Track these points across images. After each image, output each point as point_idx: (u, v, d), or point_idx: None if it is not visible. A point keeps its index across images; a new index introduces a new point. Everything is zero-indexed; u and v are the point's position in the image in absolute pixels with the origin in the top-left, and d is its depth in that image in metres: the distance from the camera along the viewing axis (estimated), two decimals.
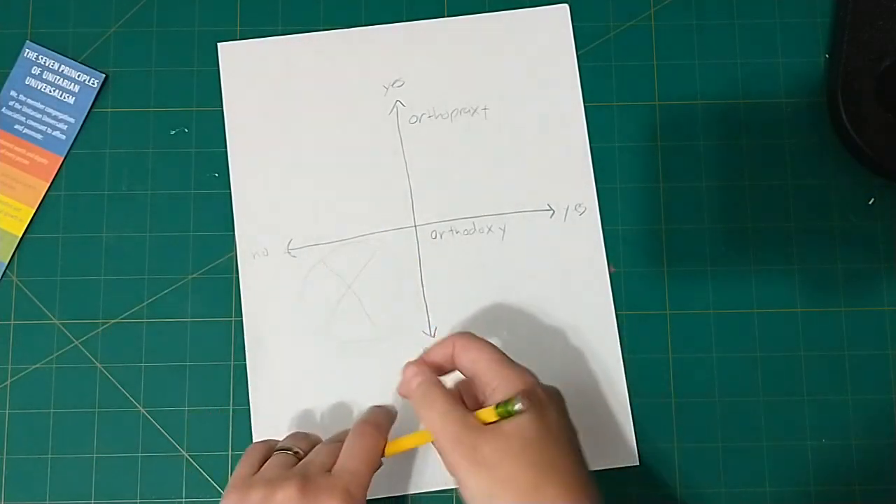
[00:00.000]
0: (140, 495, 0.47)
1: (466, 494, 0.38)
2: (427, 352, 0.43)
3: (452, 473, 0.38)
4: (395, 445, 0.42)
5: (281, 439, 0.45)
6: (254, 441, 0.47)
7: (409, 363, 0.43)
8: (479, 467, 0.37)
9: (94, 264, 0.49)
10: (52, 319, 0.49)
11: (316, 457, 0.42)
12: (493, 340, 0.48)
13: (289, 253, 0.49)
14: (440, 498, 0.48)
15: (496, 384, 0.40)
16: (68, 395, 0.48)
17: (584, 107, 0.50)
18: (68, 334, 0.49)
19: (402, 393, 0.43)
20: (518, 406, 0.38)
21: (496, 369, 0.40)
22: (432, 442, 0.39)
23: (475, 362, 0.41)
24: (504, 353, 0.41)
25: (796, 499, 0.47)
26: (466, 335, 0.42)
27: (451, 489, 0.48)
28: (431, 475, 0.47)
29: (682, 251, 0.50)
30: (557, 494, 0.37)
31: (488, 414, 0.39)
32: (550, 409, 0.39)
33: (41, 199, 0.50)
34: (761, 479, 0.48)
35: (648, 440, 0.48)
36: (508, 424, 0.38)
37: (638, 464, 0.48)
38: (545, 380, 0.48)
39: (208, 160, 0.50)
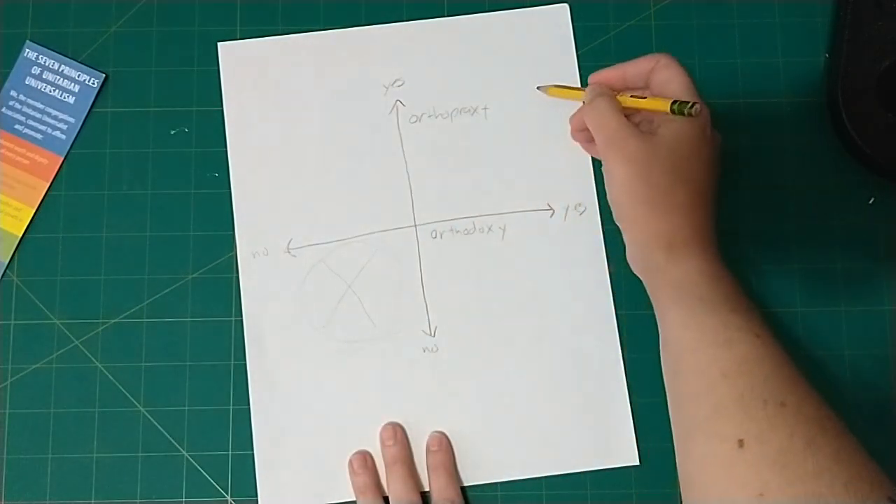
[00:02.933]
0: (140, 495, 0.47)
1: (609, 180, 0.44)
2: (624, 64, 0.46)
3: (603, 160, 0.44)
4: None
5: None
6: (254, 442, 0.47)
7: (593, 76, 0.47)
8: (625, 160, 0.43)
9: (94, 264, 0.49)
10: (52, 319, 0.49)
11: None
12: (494, 340, 0.49)
13: (289, 253, 0.49)
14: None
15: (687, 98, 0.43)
16: (68, 395, 0.48)
17: None
18: (68, 334, 0.49)
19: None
20: (695, 109, 0.42)
21: (686, 93, 0.43)
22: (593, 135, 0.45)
23: (669, 82, 0.44)
24: (696, 87, 0.44)
25: None
26: (673, 68, 0.45)
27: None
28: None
29: None
30: (684, 201, 0.42)
31: (661, 103, 0.43)
32: (708, 145, 0.43)
33: (41, 199, 0.50)
34: None
35: (648, 440, 0.48)
36: (664, 131, 0.43)
37: (638, 464, 0.48)
38: (545, 379, 0.48)
39: (208, 160, 0.50)
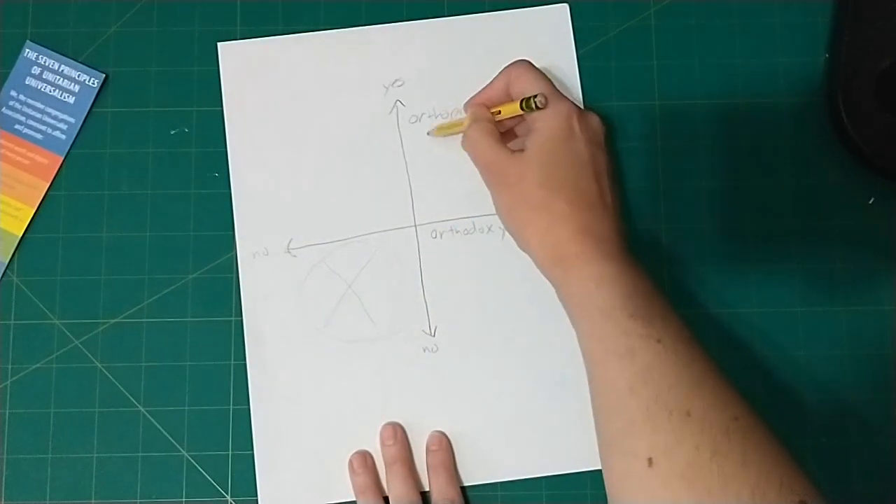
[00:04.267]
0: (140, 495, 0.47)
1: (496, 206, 0.46)
2: (483, 89, 0.48)
3: (488, 188, 0.46)
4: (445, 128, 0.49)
5: None
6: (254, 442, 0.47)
7: (468, 104, 0.49)
8: (503, 186, 0.45)
9: (94, 264, 0.49)
10: (52, 319, 0.49)
11: None
12: (493, 340, 0.48)
13: (289, 253, 0.49)
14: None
15: (535, 118, 0.45)
16: (68, 395, 0.48)
17: (584, 106, 0.50)
18: (68, 334, 0.49)
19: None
20: (539, 101, 0.43)
21: (535, 86, 0.45)
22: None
23: (525, 87, 0.45)
24: (555, 87, 0.46)
25: None
26: (522, 64, 0.47)
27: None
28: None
29: (682, 251, 0.50)
30: (562, 209, 0.42)
31: (513, 106, 0.45)
32: (577, 139, 0.44)
33: (41, 199, 0.50)
34: None
35: None
36: (529, 144, 0.44)
37: None
38: (545, 379, 0.48)
39: (208, 160, 0.50)
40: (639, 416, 0.37)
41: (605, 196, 0.44)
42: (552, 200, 0.43)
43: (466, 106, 0.49)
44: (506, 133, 0.48)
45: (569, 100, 0.45)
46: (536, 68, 0.47)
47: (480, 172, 0.47)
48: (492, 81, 0.48)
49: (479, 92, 0.48)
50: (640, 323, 0.39)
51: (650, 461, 0.36)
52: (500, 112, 0.47)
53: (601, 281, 0.41)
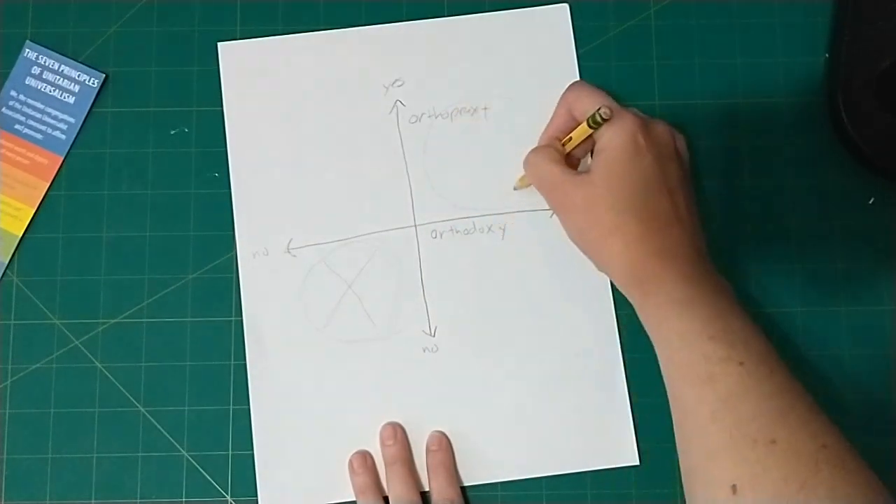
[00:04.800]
0: (140, 495, 0.47)
1: (566, 229, 0.45)
2: (548, 124, 0.48)
3: (555, 213, 0.46)
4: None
5: None
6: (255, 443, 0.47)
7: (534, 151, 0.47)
8: (570, 211, 0.44)
9: (94, 264, 0.49)
10: (52, 319, 0.49)
11: None
12: (493, 340, 0.48)
13: (289, 253, 0.49)
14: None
15: (600, 136, 0.43)
16: (68, 395, 0.48)
17: None
18: (68, 334, 0.49)
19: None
20: (603, 112, 0.41)
21: (598, 104, 0.43)
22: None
23: (585, 105, 0.44)
24: (613, 100, 0.44)
25: None
26: (577, 85, 0.46)
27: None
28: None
29: None
30: (635, 231, 0.41)
31: (582, 128, 0.43)
32: (644, 155, 0.42)
33: (41, 199, 0.50)
34: None
35: (648, 440, 0.48)
36: (595, 166, 0.43)
37: (638, 464, 0.48)
38: (545, 379, 0.48)
39: (208, 160, 0.50)
40: (721, 444, 0.36)
41: (679, 211, 0.42)
42: (624, 223, 0.41)
43: (543, 138, 0.48)
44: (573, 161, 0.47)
45: (632, 112, 0.43)
46: (590, 85, 0.46)
47: (545, 198, 0.46)
48: (554, 114, 0.47)
49: (546, 128, 0.48)
50: (720, 346, 0.38)
51: (734, 489, 0.35)
52: (570, 139, 0.45)
53: (679, 303, 0.40)
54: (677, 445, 0.40)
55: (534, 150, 0.46)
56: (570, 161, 0.46)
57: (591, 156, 0.44)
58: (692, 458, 0.38)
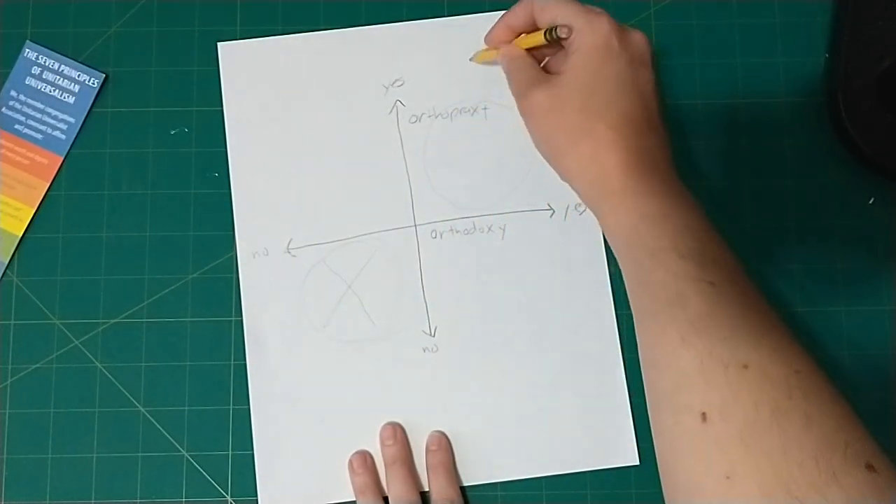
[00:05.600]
0: (140, 495, 0.47)
1: (532, 137, 0.43)
2: (505, 16, 0.45)
3: (523, 119, 0.43)
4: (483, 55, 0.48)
5: None
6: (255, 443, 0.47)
7: (489, 36, 0.47)
8: (537, 114, 0.41)
9: (94, 264, 0.49)
10: (52, 319, 0.49)
11: None
12: (493, 340, 0.48)
13: (289, 253, 0.49)
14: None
15: (578, 28, 0.41)
16: (68, 395, 0.48)
17: None
18: (68, 334, 0.49)
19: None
20: (561, 31, 0.41)
21: (568, 12, 0.41)
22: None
23: (555, 18, 0.42)
24: (583, 6, 0.42)
25: None
26: None
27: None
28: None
29: None
30: (606, 135, 0.39)
31: (537, 37, 0.43)
32: (618, 57, 0.40)
33: (41, 199, 0.50)
34: None
35: (648, 440, 0.48)
36: (567, 66, 0.41)
37: (638, 464, 0.48)
38: (545, 379, 0.48)
39: (208, 160, 0.50)
40: (691, 369, 0.34)
41: (653, 119, 0.40)
42: (594, 125, 0.39)
43: (489, 39, 0.47)
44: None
45: (607, 15, 0.41)
46: None
47: (518, 106, 0.44)
48: (516, 7, 0.45)
49: (503, 16, 0.46)
50: (691, 265, 0.36)
51: (704, 416, 0.33)
52: (523, 38, 0.44)
53: (650, 219, 0.38)
54: (644, 375, 0.38)
55: (511, 63, 0.44)
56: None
57: (564, 59, 0.43)
58: (661, 386, 0.36)
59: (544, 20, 0.43)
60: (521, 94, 0.43)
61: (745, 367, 0.33)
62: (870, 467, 0.31)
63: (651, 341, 0.37)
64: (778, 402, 0.32)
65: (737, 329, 0.35)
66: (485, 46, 0.49)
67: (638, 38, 0.41)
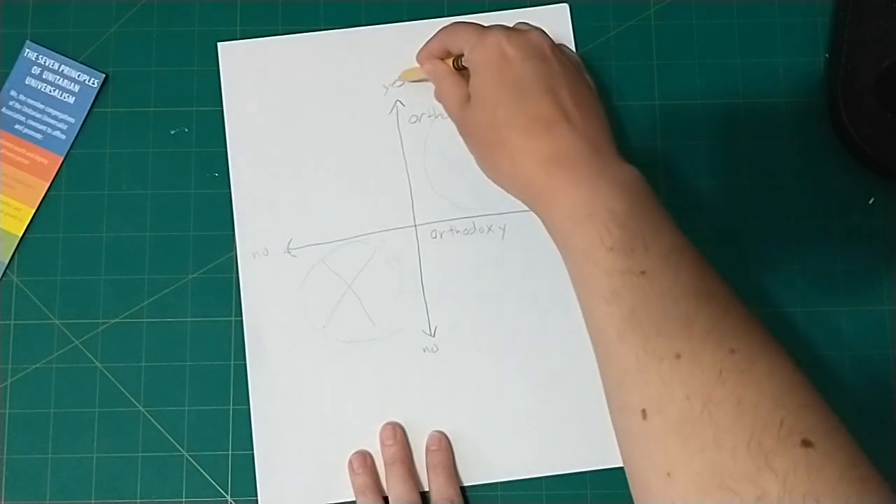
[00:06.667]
0: (140, 495, 0.47)
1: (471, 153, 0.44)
2: (424, 47, 0.47)
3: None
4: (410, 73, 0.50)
5: None
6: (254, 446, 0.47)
7: (420, 55, 0.48)
8: (465, 138, 0.44)
9: (94, 264, 0.49)
10: (52, 319, 0.49)
11: None
12: (493, 340, 0.48)
13: (289, 253, 0.49)
14: None
15: (471, 48, 0.43)
16: (68, 395, 0.48)
17: None
18: (68, 334, 0.49)
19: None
20: (463, 61, 0.44)
21: (465, 37, 0.43)
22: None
23: (456, 45, 0.45)
24: (477, 24, 0.44)
25: None
26: (455, 24, 0.45)
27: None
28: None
29: None
30: (517, 142, 0.39)
31: (448, 67, 0.46)
32: (511, 62, 0.41)
33: (41, 199, 0.50)
34: None
35: None
36: (472, 95, 0.42)
37: None
38: (545, 379, 0.48)
39: (208, 160, 0.50)
40: (629, 366, 0.34)
41: (565, 108, 0.40)
42: (504, 137, 0.40)
43: (420, 58, 0.48)
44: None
45: (501, 27, 0.42)
46: (467, 24, 0.44)
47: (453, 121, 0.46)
48: (433, 38, 0.47)
49: (425, 45, 0.47)
50: (620, 256, 0.35)
51: (644, 413, 0.33)
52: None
53: (576, 219, 0.37)
54: (600, 374, 0.37)
55: (441, 82, 0.46)
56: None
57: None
58: (606, 383, 0.36)
59: (452, 46, 0.45)
60: (452, 115, 0.45)
61: (678, 357, 0.33)
62: (805, 443, 0.30)
63: (594, 339, 0.37)
64: (710, 390, 0.31)
65: (668, 318, 0.34)
66: (405, 69, 0.50)
67: (534, 36, 0.42)
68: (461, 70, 0.45)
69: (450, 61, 0.46)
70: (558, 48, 0.43)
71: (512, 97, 0.40)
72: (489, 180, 0.44)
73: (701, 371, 0.32)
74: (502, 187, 0.43)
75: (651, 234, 0.36)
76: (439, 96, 0.47)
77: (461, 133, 0.45)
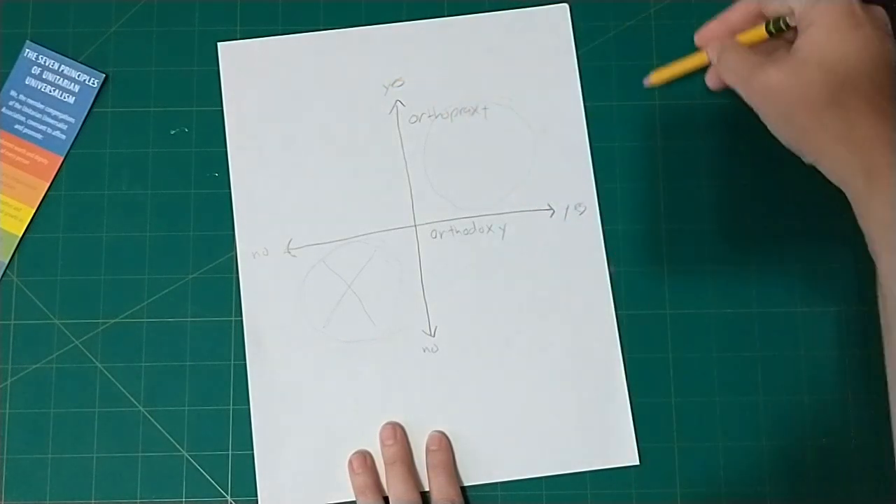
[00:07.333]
0: (140, 495, 0.47)
1: (769, 124, 0.40)
2: (724, 14, 0.43)
3: (756, 110, 0.40)
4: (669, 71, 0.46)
5: None
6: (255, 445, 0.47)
7: (701, 35, 0.44)
8: (773, 96, 0.39)
9: (94, 264, 0.49)
10: (52, 319, 0.49)
11: None
12: (494, 340, 0.48)
13: (289, 253, 0.49)
14: None
15: (804, 4, 0.39)
16: (68, 395, 0.48)
17: (584, 106, 0.50)
18: (68, 334, 0.49)
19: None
20: (791, 21, 0.38)
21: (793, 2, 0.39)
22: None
23: (777, 12, 0.40)
24: None
25: (796, 498, 0.47)
26: None
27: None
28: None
29: (682, 251, 0.50)
30: (860, 106, 0.36)
31: (757, 33, 0.41)
32: (865, 26, 0.37)
33: (41, 199, 0.50)
34: (761, 479, 0.48)
35: (648, 440, 0.48)
36: (806, 48, 0.38)
37: (638, 464, 0.48)
38: (545, 379, 0.48)
39: (208, 160, 0.50)
40: None
41: None
42: (844, 99, 0.36)
43: (700, 37, 0.45)
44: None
45: None
46: None
47: (744, 95, 0.42)
48: (729, 9, 0.43)
49: (714, 21, 0.44)
50: None
51: None
52: (747, 34, 0.43)
53: None
54: (889, 367, 0.33)
55: (726, 53, 0.42)
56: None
57: (797, 37, 0.40)
58: None
59: (773, 9, 0.41)
60: (746, 79, 0.40)
61: None
62: None
63: None
64: None
65: None
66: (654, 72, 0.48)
67: (880, 11, 0.39)
68: (778, 33, 0.40)
69: (760, 27, 0.41)
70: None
71: (860, 61, 0.37)
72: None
73: None
74: (810, 153, 0.39)
75: None
76: (727, 69, 0.42)
77: (761, 97, 0.40)
